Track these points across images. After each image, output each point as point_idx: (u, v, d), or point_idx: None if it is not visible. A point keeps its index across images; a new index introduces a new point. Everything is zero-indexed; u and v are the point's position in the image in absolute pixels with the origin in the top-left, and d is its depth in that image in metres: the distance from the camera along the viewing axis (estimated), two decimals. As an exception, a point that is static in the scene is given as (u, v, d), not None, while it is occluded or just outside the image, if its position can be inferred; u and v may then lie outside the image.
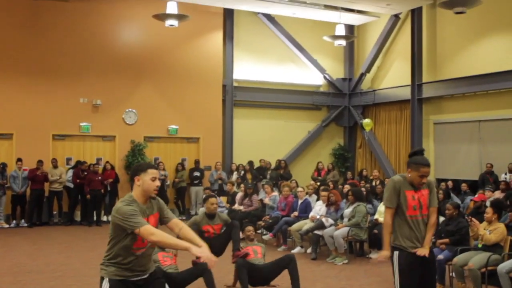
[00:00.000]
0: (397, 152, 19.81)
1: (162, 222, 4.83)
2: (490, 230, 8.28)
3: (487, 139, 16.89)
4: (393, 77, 20.11)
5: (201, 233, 8.10)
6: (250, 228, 8.61)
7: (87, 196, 15.94)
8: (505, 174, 15.39)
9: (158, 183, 4.69)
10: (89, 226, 15.79)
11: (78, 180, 16.05)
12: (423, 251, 5.34)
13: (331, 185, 14.51)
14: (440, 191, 13.41)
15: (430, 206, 5.51)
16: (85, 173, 16.08)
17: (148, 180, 4.65)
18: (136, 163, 17.02)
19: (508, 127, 16.36)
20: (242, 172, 18.00)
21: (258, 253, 8.26)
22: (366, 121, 19.74)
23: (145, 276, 4.69)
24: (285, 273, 8.14)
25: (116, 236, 4.58)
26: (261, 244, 8.78)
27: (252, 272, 7.89)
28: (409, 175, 5.45)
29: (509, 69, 15.81)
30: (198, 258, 7.62)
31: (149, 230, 4.45)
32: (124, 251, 4.57)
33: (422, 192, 5.48)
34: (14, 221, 15.74)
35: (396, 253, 5.45)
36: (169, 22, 15.39)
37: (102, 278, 4.65)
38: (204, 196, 8.90)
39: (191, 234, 4.71)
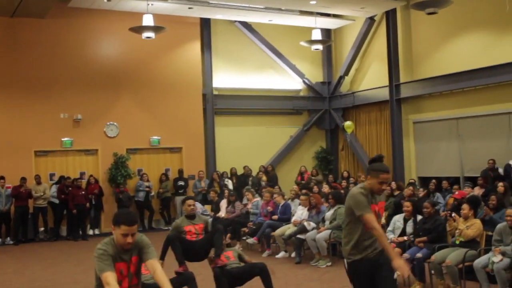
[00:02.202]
0: (379, 152, 19.92)
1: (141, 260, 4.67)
2: (467, 226, 8.46)
3: (466, 136, 17.13)
4: (371, 78, 20.33)
5: (183, 236, 8.12)
6: (190, 202, 8.47)
7: (73, 211, 15.98)
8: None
9: (130, 239, 4.50)
10: (75, 241, 15.81)
11: (63, 196, 16.08)
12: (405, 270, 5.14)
13: (316, 188, 14.71)
14: (421, 189, 13.64)
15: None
16: (70, 188, 16.12)
17: (119, 235, 4.50)
18: (119, 175, 17.10)
19: (485, 123, 16.60)
20: (227, 180, 18.14)
21: (230, 257, 8.31)
22: (347, 124, 19.93)
23: None
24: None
25: (96, 276, 4.51)
26: (232, 248, 8.82)
27: (230, 278, 8.01)
28: (369, 182, 5.38)
29: (484, 66, 16.06)
30: (180, 267, 7.74)
31: (106, 279, 4.33)
32: None
33: (381, 204, 5.49)
34: (0, 239, 15.74)
35: (345, 262, 5.43)
36: (146, 34, 15.47)
37: None
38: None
39: (163, 281, 4.53)
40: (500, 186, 11.79)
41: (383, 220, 11.55)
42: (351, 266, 5.36)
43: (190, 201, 8.48)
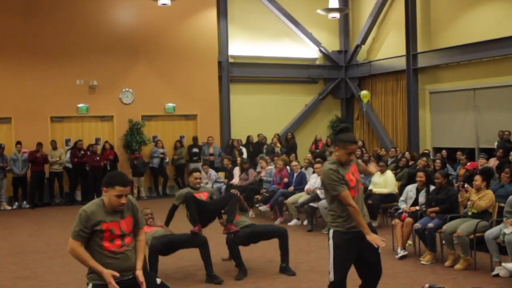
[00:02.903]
0: (394, 123, 19.94)
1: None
2: (479, 197, 8.44)
3: (482, 107, 16.98)
4: (388, 48, 20.15)
5: (192, 197, 8.11)
6: (197, 175, 8.56)
7: (101, 163, 16.29)
8: None
9: (124, 200, 4.60)
10: (90, 206, 15.96)
11: (75, 159, 16.23)
12: (378, 240, 5.14)
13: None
14: (437, 161, 13.57)
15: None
16: (82, 152, 16.27)
17: (113, 196, 4.57)
18: (134, 142, 17.22)
19: (502, 94, 16.44)
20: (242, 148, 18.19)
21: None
22: (364, 93, 19.83)
23: (131, 276, 4.67)
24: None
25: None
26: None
27: (243, 238, 8.10)
28: (336, 153, 5.35)
29: (503, 36, 15.82)
30: (195, 227, 7.81)
31: (72, 245, 4.52)
32: (97, 253, 4.57)
33: (353, 168, 5.42)
34: (16, 203, 15.98)
35: (331, 231, 5.37)
36: (162, 1, 15.41)
37: (87, 285, 4.66)
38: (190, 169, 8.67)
39: (138, 253, 4.77)
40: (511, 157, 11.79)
41: (396, 189, 11.63)
42: (341, 235, 5.27)
43: (197, 174, 8.48)
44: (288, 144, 18.70)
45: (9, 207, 15.79)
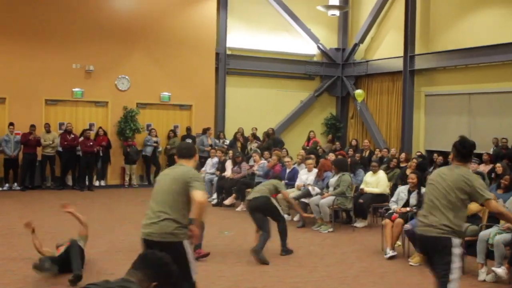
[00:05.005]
0: (388, 123, 19.97)
1: None
2: (469, 202, 8.47)
3: (476, 112, 17.04)
4: (386, 48, 20.16)
5: None
6: None
7: (94, 149, 16.30)
8: None
9: None
10: (81, 191, 15.95)
11: (65, 143, 16.18)
12: None
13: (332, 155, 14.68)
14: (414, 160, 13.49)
15: None
16: (72, 135, 16.22)
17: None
18: (128, 129, 17.19)
19: (497, 100, 16.50)
20: (227, 141, 18.07)
21: None
22: (358, 92, 19.86)
23: None
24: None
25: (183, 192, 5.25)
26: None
27: None
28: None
29: (501, 42, 15.87)
30: None
31: (205, 197, 5.28)
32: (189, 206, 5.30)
33: None
34: (7, 184, 15.92)
35: (456, 240, 5.05)
36: (162, -11, 15.36)
37: (180, 244, 5.16)
38: None
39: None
40: (498, 167, 11.72)
41: (387, 190, 11.65)
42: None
43: None
44: (270, 140, 17.88)
45: (-1, 188, 15.78)
